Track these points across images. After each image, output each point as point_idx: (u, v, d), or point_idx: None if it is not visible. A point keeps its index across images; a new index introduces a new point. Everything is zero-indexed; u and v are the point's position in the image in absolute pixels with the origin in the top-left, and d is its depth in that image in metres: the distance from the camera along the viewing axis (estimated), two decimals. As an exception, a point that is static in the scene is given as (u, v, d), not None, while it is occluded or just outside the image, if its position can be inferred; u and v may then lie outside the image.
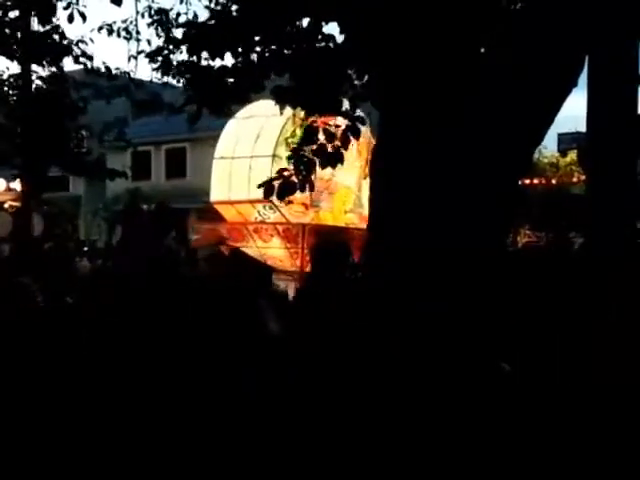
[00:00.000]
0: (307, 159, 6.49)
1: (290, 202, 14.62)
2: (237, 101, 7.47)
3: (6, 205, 17.12)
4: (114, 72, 12.22)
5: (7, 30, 9.41)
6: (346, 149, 6.42)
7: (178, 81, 7.25)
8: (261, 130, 15.73)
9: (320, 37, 6.14)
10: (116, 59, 43.61)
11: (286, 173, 6.44)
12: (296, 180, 6.46)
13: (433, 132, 4.86)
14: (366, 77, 6.15)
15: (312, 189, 6.77)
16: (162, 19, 10.50)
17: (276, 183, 6.38)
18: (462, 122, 4.84)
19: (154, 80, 14.40)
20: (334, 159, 6.44)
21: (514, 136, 4.85)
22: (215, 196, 17.55)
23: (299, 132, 6.74)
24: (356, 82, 6.42)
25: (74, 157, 13.90)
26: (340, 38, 6.06)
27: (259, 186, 6.55)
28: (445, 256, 4.75)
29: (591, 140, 4.69)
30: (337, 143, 6.38)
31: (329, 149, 6.38)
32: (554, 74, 4.84)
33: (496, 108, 4.82)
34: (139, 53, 12.36)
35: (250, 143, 15.88)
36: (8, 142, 13.59)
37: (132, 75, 12.58)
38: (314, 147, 6.48)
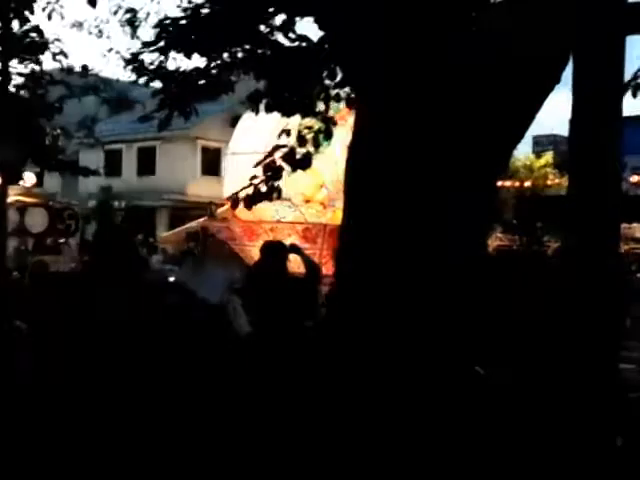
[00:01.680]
0: (276, 165, 6.16)
1: (308, 201, 14.33)
2: (206, 101, 7.15)
3: (11, 200, 16.78)
4: (80, 70, 11.94)
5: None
6: (317, 152, 6.12)
7: (147, 84, 6.90)
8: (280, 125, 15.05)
9: (294, 37, 5.82)
10: (85, 57, 42.94)
11: (256, 181, 6.13)
12: (265, 187, 6.15)
13: (412, 131, 4.57)
14: (339, 77, 5.85)
15: (279, 196, 6.42)
16: (132, 18, 10.18)
17: (245, 192, 6.10)
18: (441, 118, 4.56)
19: (122, 79, 14.13)
20: (303, 164, 6.13)
21: (494, 133, 4.59)
22: (229, 192, 16.89)
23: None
24: (328, 82, 6.10)
25: (50, 154, 13.68)
26: (314, 38, 5.76)
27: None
28: (426, 265, 4.48)
29: (575, 140, 4.43)
30: (309, 147, 6.08)
31: (298, 155, 6.08)
32: (537, 68, 4.58)
33: (477, 103, 4.54)
34: (109, 51, 12.03)
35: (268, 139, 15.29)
36: None
37: (101, 73, 12.33)
38: (283, 152, 6.16)
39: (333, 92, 6.12)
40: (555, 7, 4.44)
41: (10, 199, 16.32)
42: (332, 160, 12.58)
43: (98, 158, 27.59)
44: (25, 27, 9.04)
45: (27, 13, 8.03)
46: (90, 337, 7.49)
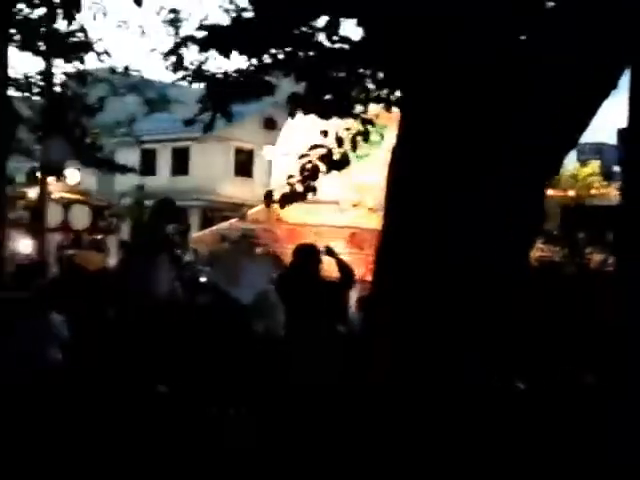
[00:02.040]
0: (312, 165, 6.17)
1: (356, 205, 14.16)
2: (246, 103, 7.17)
3: (56, 196, 16.91)
4: (126, 70, 12.03)
5: (34, 27, 9.18)
6: (355, 152, 6.11)
7: (190, 82, 6.95)
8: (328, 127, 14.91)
9: (336, 39, 5.80)
10: (127, 57, 43.26)
11: (291, 180, 6.14)
12: (301, 187, 6.15)
13: (460, 136, 4.49)
14: (381, 78, 5.82)
15: (315, 194, 6.43)
16: (175, 18, 10.25)
17: (280, 190, 6.11)
18: (492, 122, 4.48)
19: (162, 79, 14.22)
20: (340, 165, 6.13)
21: (548, 139, 4.48)
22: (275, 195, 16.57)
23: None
24: (369, 84, 6.08)
25: (90, 151, 13.82)
26: (356, 39, 5.73)
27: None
28: (470, 273, 4.41)
29: (630, 150, 4.35)
30: (346, 148, 6.07)
31: (336, 155, 6.08)
32: (593, 74, 4.46)
33: (531, 108, 4.44)
34: (151, 51, 12.11)
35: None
36: (30, 134, 13.58)
37: (141, 73, 12.39)
38: (320, 152, 6.16)
39: (374, 94, 6.09)
40: (614, 12, 4.34)
41: (55, 195, 16.51)
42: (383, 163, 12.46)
43: (133, 157, 27.78)
44: (71, 27, 9.11)
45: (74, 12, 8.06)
46: (120, 331, 7.57)
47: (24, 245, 14.41)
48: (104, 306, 8.45)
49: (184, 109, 7.72)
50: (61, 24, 9.28)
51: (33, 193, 16.61)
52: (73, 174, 16.42)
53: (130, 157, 26.49)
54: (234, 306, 7.66)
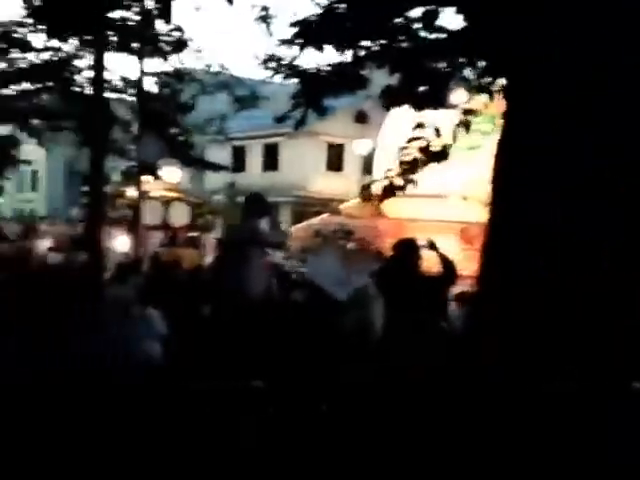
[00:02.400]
0: (412, 157, 6.09)
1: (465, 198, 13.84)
2: (338, 97, 7.11)
3: (157, 194, 17.19)
4: (218, 69, 12.17)
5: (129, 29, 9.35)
6: (455, 143, 6.00)
7: (284, 79, 6.94)
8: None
9: (433, 28, 5.69)
10: (218, 56, 43.90)
11: (390, 173, 6.08)
12: (401, 180, 6.09)
13: (571, 122, 4.31)
14: (482, 67, 5.68)
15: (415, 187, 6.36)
16: (266, 15, 10.25)
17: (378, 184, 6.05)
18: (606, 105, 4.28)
19: (252, 76, 14.32)
20: (439, 157, 6.04)
21: None
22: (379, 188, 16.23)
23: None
24: (469, 74, 5.95)
25: (183, 150, 14.02)
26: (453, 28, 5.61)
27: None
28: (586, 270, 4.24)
29: None
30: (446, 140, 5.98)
31: (435, 147, 5.98)
32: None
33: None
34: (243, 49, 12.16)
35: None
36: (126, 134, 13.88)
37: (232, 71, 12.52)
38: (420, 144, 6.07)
39: (475, 83, 5.96)
40: None
41: (155, 194, 16.76)
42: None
43: (224, 154, 28.09)
44: (168, 26, 9.22)
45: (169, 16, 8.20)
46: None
47: (123, 243, 14.69)
48: (199, 303, 8.55)
49: (273, 105, 7.71)
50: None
51: (133, 192, 16.90)
52: (173, 172, 16.59)
53: (220, 154, 26.83)
54: (330, 302, 7.61)
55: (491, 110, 6.39)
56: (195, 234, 16.52)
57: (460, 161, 6.05)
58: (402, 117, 14.85)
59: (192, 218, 16.25)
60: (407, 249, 6.96)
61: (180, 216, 16.50)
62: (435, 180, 6.04)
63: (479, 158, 12.73)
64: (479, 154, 12.42)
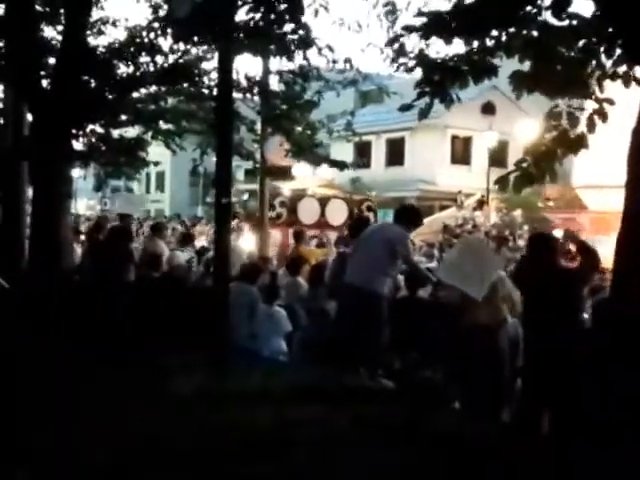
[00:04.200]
0: (546, 148, 6.01)
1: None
2: (466, 87, 7.07)
3: (310, 191, 16.92)
4: (343, 65, 12.19)
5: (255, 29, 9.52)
6: (592, 133, 5.88)
7: (409, 72, 6.94)
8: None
9: (564, 15, 5.59)
10: (344, 53, 44.17)
11: (525, 164, 6.01)
12: (534, 171, 6.01)
13: None
14: (618, 54, 5.54)
15: (553, 180, 6.28)
16: (391, 10, 10.28)
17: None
18: None
19: (379, 72, 14.33)
20: (577, 146, 5.94)
21: None
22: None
23: None
24: (604, 60, 5.81)
25: (307, 148, 14.08)
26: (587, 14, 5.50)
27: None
28: None
29: None
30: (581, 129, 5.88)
31: (571, 135, 5.89)
32: None
33: None
34: (367, 45, 12.21)
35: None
36: (250, 134, 14.11)
37: (358, 68, 12.51)
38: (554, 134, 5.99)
39: (610, 71, 5.82)
40: None
41: (311, 191, 16.49)
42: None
43: (347, 150, 28.25)
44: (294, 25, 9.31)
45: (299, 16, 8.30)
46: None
47: (251, 241, 14.70)
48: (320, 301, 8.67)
49: (398, 101, 7.71)
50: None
51: (287, 190, 16.76)
52: (324, 170, 16.17)
53: (344, 150, 27.01)
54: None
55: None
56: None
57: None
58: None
59: (351, 216, 15.53)
60: (541, 244, 6.79)
61: (339, 214, 15.78)
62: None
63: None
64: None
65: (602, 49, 5.58)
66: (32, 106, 11.38)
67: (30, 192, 11.78)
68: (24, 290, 9.71)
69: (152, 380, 6.60)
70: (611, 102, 5.84)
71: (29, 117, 11.99)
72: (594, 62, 5.77)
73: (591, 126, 5.81)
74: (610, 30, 5.27)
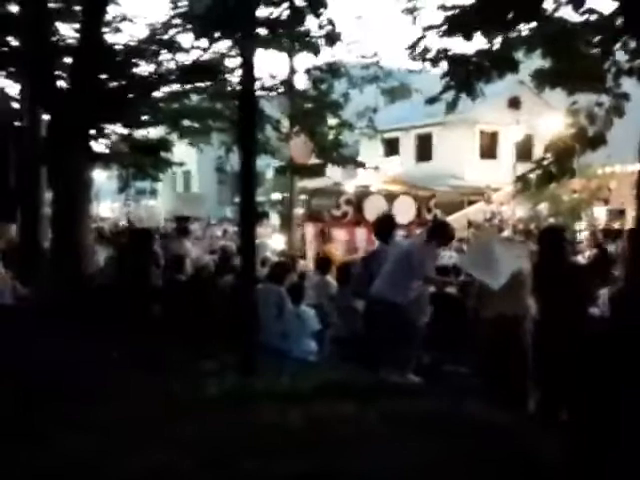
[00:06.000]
0: (565, 145, 6.13)
1: None
2: (489, 82, 7.18)
3: (373, 188, 16.45)
4: (371, 59, 12.23)
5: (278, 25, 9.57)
6: (608, 130, 5.99)
7: (434, 65, 7.05)
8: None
9: (583, 10, 5.71)
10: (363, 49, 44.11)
11: (545, 162, 6.13)
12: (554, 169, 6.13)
13: None
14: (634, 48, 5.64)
15: (572, 177, 6.38)
16: (413, 6, 10.36)
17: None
18: None
19: (401, 67, 14.39)
20: (595, 142, 6.05)
21: None
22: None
23: None
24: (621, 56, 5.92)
25: (331, 147, 14.14)
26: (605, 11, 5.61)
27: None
28: None
29: None
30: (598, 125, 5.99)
31: (590, 132, 6.01)
32: None
33: None
34: (391, 41, 12.29)
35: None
36: (275, 132, 14.14)
37: (381, 64, 12.57)
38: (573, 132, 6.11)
39: (626, 66, 5.93)
40: None
41: (376, 188, 16.12)
42: None
43: (375, 147, 28.32)
44: (319, 20, 9.36)
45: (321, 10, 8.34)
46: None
47: (280, 241, 14.56)
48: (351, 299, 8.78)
49: (424, 96, 7.84)
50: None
51: (351, 187, 16.09)
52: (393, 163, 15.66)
53: (372, 148, 27.11)
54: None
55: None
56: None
57: None
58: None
59: (419, 213, 14.57)
60: (553, 239, 6.85)
61: (407, 211, 14.47)
62: None
63: None
64: None
65: (618, 45, 5.71)
66: (48, 107, 11.19)
67: (48, 195, 11.60)
68: (45, 294, 9.72)
69: (185, 383, 6.64)
70: (627, 97, 5.95)
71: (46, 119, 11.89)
72: (610, 58, 5.89)
73: (608, 123, 5.91)
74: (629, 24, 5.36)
